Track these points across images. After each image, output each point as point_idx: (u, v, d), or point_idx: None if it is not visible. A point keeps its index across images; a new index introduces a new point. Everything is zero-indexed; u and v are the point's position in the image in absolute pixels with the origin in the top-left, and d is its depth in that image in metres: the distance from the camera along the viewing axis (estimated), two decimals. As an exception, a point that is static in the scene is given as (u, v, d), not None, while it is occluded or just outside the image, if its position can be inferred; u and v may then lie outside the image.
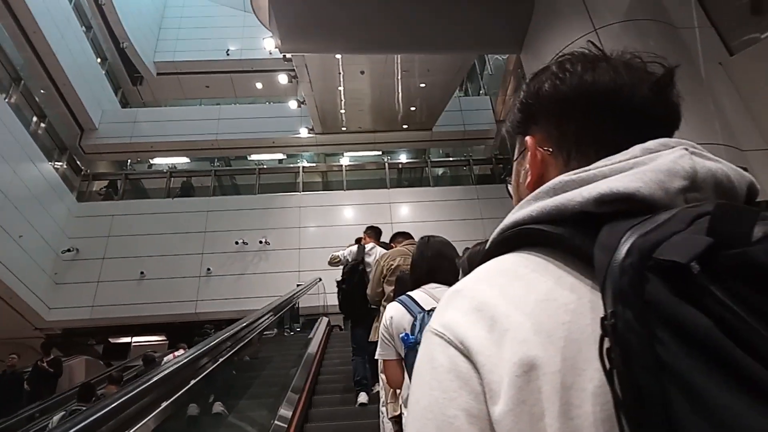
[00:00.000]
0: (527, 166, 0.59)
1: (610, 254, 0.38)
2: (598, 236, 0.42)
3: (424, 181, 13.22)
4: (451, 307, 0.48)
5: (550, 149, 0.56)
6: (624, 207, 0.43)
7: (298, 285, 7.49)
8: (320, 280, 8.69)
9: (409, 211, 12.09)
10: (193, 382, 1.95)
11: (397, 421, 2.46)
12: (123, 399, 1.63)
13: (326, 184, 13.31)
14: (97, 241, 11.03)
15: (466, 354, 0.43)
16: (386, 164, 13.28)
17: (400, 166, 13.93)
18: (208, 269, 10.96)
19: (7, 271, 8.81)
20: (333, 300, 8.94)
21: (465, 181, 13.10)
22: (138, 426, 1.73)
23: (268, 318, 4.09)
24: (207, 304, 10.55)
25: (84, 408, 4.80)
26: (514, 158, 0.63)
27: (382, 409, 2.99)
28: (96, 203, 12.03)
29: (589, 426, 0.37)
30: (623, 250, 0.38)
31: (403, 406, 2.22)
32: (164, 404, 1.84)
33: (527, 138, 0.59)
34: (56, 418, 4.83)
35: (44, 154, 10.57)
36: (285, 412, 3.51)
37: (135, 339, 11.32)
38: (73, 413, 4.65)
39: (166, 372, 1.76)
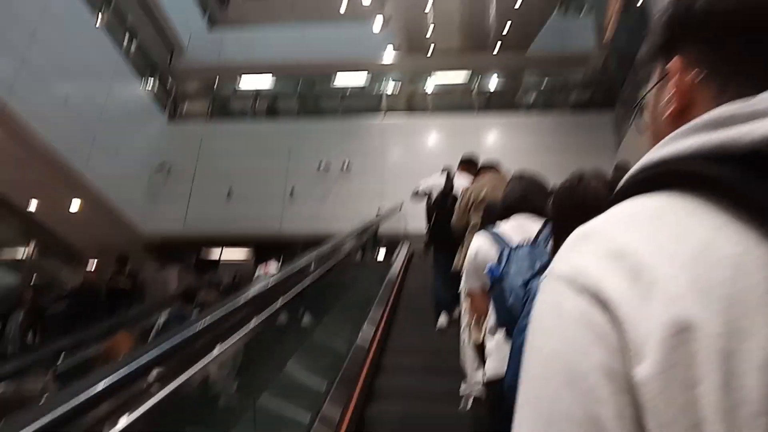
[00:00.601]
0: (670, 93, 0.52)
1: None
2: None
3: (516, 107, 12.78)
4: (579, 250, 0.43)
5: (701, 74, 0.49)
6: None
7: (377, 215, 7.57)
8: (402, 205, 8.90)
9: (497, 139, 11.83)
10: (290, 293, 2.19)
11: (478, 347, 2.60)
12: (240, 304, 1.89)
13: (410, 109, 13.21)
14: (188, 158, 11.80)
15: (603, 305, 0.39)
16: (475, 88, 12.92)
17: (490, 90, 13.50)
18: (292, 189, 11.49)
19: (105, 183, 9.69)
20: (413, 224, 9.24)
21: (560, 109, 12.52)
22: (245, 330, 2.01)
23: (352, 240, 4.34)
24: (291, 223, 11.15)
25: (187, 310, 5.44)
26: (653, 85, 0.57)
27: (463, 335, 3.18)
28: (186, 123, 12.74)
29: (754, 401, 0.33)
30: None
31: (488, 333, 2.31)
32: (265, 313, 2.10)
33: (673, 60, 0.52)
34: (162, 318, 5.50)
35: (138, 72, 11.25)
36: (368, 328, 3.82)
37: (225, 253, 12.28)
38: (176, 315, 5.28)
39: (267, 285, 1.99)
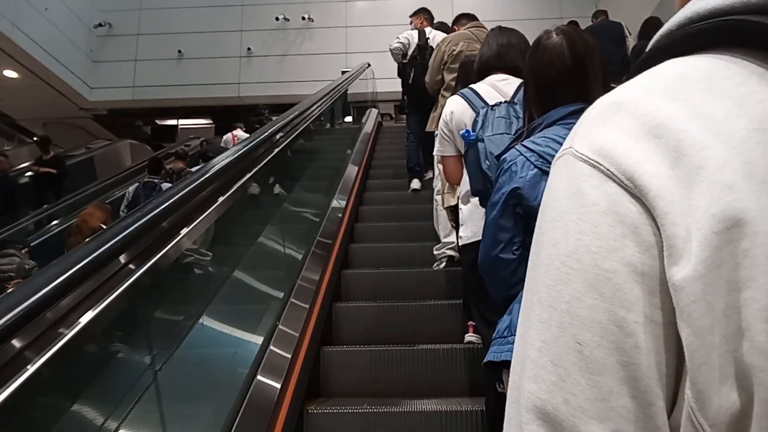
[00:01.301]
0: None
1: None
2: None
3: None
4: (608, 125, 0.38)
5: None
6: None
7: (343, 72, 7.43)
8: (369, 65, 8.56)
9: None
10: (261, 164, 2.23)
11: (452, 210, 2.67)
12: (210, 173, 1.93)
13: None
14: (129, 15, 11.01)
15: (636, 194, 0.35)
16: None
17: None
18: (249, 49, 10.97)
19: (36, 47, 9.01)
20: (383, 87, 9.08)
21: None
22: (218, 202, 2.07)
23: (319, 105, 4.30)
24: (250, 87, 10.78)
25: (156, 180, 5.47)
26: None
27: (437, 197, 3.31)
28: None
29: None
30: None
31: (461, 201, 2.34)
32: (237, 184, 2.15)
33: None
34: (131, 188, 5.52)
35: None
36: (341, 196, 3.95)
37: (181, 122, 11.97)
38: (146, 185, 5.31)
39: (238, 153, 2.02)
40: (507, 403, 0.39)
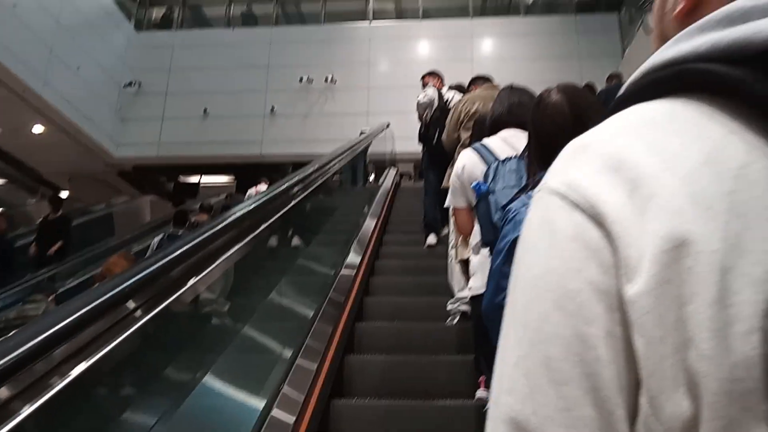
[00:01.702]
0: None
1: None
2: None
3: (513, 9, 12.53)
4: (576, 163, 0.43)
5: None
6: None
7: (361, 132, 7.29)
8: (388, 125, 8.80)
9: (493, 46, 11.71)
10: (281, 212, 2.36)
11: (464, 264, 2.77)
12: (226, 222, 2.06)
13: (399, 13, 12.92)
14: (158, 74, 11.60)
15: (598, 221, 0.40)
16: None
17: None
18: (273, 108, 11.41)
19: (67, 103, 9.39)
20: (402, 146, 9.30)
21: (562, 10, 12.29)
22: (233, 250, 2.19)
23: (337, 161, 4.48)
24: (272, 145, 11.15)
25: (181, 231, 5.67)
26: None
27: (451, 252, 3.40)
28: (155, 33, 12.44)
29: (748, 317, 0.34)
30: None
31: (471, 252, 2.45)
32: (256, 232, 2.27)
33: None
34: (156, 239, 5.75)
35: None
36: (357, 249, 4.07)
37: (204, 178, 12.35)
38: (171, 236, 5.51)
39: (257, 203, 2.15)
40: (487, 420, 0.43)
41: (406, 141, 8.13)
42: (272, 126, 11.39)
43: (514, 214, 1.57)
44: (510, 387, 0.41)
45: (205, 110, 11.37)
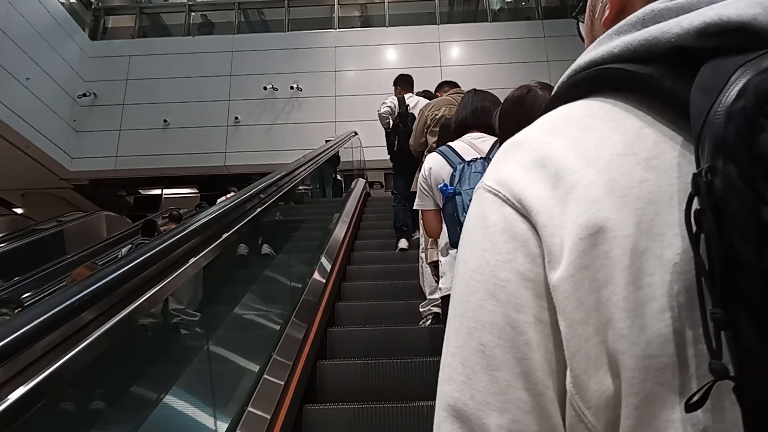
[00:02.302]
0: None
1: (714, 97, 0.37)
2: (697, 76, 0.39)
3: (480, 16, 12.82)
4: (508, 160, 0.48)
5: None
6: (733, 42, 0.40)
7: (326, 140, 7.25)
8: (355, 134, 8.85)
9: (461, 52, 11.96)
10: (246, 219, 2.45)
11: (435, 266, 2.91)
12: (190, 229, 2.13)
13: (366, 20, 13.13)
14: (115, 85, 11.53)
15: (524, 214, 0.44)
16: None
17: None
18: (236, 118, 11.42)
19: (16, 117, 9.24)
20: (372, 155, 9.40)
21: (529, 16, 12.67)
22: (200, 255, 2.26)
23: (302, 170, 4.58)
24: (236, 156, 11.16)
25: (149, 241, 5.70)
26: None
27: (422, 254, 3.54)
28: (111, 42, 12.33)
29: (662, 296, 0.38)
30: (733, 91, 0.36)
31: (440, 253, 2.56)
32: (224, 235, 2.35)
33: None
34: (124, 249, 5.77)
35: None
36: (327, 256, 4.17)
37: (166, 191, 12.24)
38: (139, 246, 5.54)
39: (223, 209, 2.24)
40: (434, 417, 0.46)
41: (376, 149, 8.18)
42: (236, 136, 11.40)
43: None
44: (449, 376, 0.45)
45: (165, 121, 11.33)
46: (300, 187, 4.82)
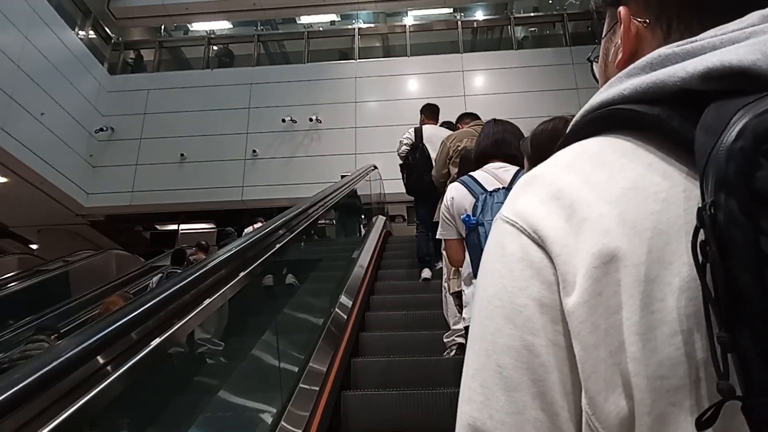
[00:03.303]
0: (618, 41, 0.63)
1: (716, 137, 0.41)
2: (701, 117, 0.44)
3: (505, 44, 13.13)
4: (526, 193, 0.54)
5: (647, 21, 0.59)
6: (735, 85, 0.44)
7: (342, 176, 7.29)
8: (375, 167, 8.87)
9: (485, 81, 12.18)
10: (274, 249, 2.68)
11: (458, 296, 2.99)
12: (222, 258, 2.35)
13: (387, 50, 13.49)
14: (133, 119, 11.92)
15: (540, 243, 0.49)
16: (459, 23, 13.18)
17: (476, 24, 13.83)
18: (254, 151, 11.69)
19: (30, 153, 9.38)
20: (394, 188, 9.43)
21: (556, 42, 12.92)
22: (230, 284, 2.47)
23: (321, 205, 4.80)
24: (254, 190, 11.38)
25: (179, 270, 6.01)
26: (603, 35, 0.69)
27: (445, 284, 3.72)
28: (129, 76, 12.79)
29: (672, 321, 0.42)
30: (733, 131, 0.40)
31: (463, 283, 2.70)
32: (253, 266, 2.58)
33: (620, 8, 0.62)
34: (155, 278, 6.14)
35: (64, 19, 11.03)
36: (369, 244, 4.34)
37: (182, 226, 12.53)
38: (170, 274, 5.84)
39: (252, 239, 2.47)
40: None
41: (398, 182, 8.12)
42: (254, 170, 11.63)
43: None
44: (468, 396, 0.51)
45: (182, 155, 11.64)
46: (323, 220, 5.08)
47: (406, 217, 11.31)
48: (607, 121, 0.54)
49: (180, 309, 1.92)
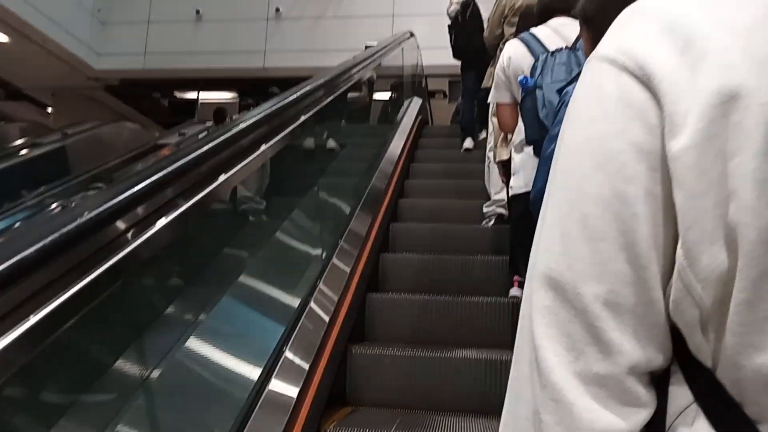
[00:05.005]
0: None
1: None
2: None
3: None
4: (629, 27, 0.52)
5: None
6: None
7: (367, 46, 6.49)
8: (411, 35, 8.21)
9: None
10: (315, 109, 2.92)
11: (504, 165, 3.20)
12: (268, 111, 2.57)
13: None
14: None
15: (645, 81, 0.48)
16: None
17: None
18: (277, 9, 11.48)
19: (31, 8, 9.29)
20: (434, 59, 9.18)
21: None
22: (275, 140, 2.71)
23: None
24: (277, 56, 11.24)
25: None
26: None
27: (489, 154, 3.91)
28: None
29: None
30: None
31: (513, 150, 2.83)
32: (293, 125, 2.80)
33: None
34: (198, 133, 6.49)
35: None
36: (397, 143, 4.68)
37: (202, 95, 12.66)
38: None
39: (300, 92, 2.70)
40: (525, 288, 0.55)
41: (439, 52, 7.80)
42: (277, 32, 11.47)
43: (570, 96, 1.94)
44: (546, 246, 0.53)
45: (197, 12, 11.52)
46: (356, 93, 5.18)
47: (447, 94, 11.20)
48: None
49: (228, 159, 2.12)
